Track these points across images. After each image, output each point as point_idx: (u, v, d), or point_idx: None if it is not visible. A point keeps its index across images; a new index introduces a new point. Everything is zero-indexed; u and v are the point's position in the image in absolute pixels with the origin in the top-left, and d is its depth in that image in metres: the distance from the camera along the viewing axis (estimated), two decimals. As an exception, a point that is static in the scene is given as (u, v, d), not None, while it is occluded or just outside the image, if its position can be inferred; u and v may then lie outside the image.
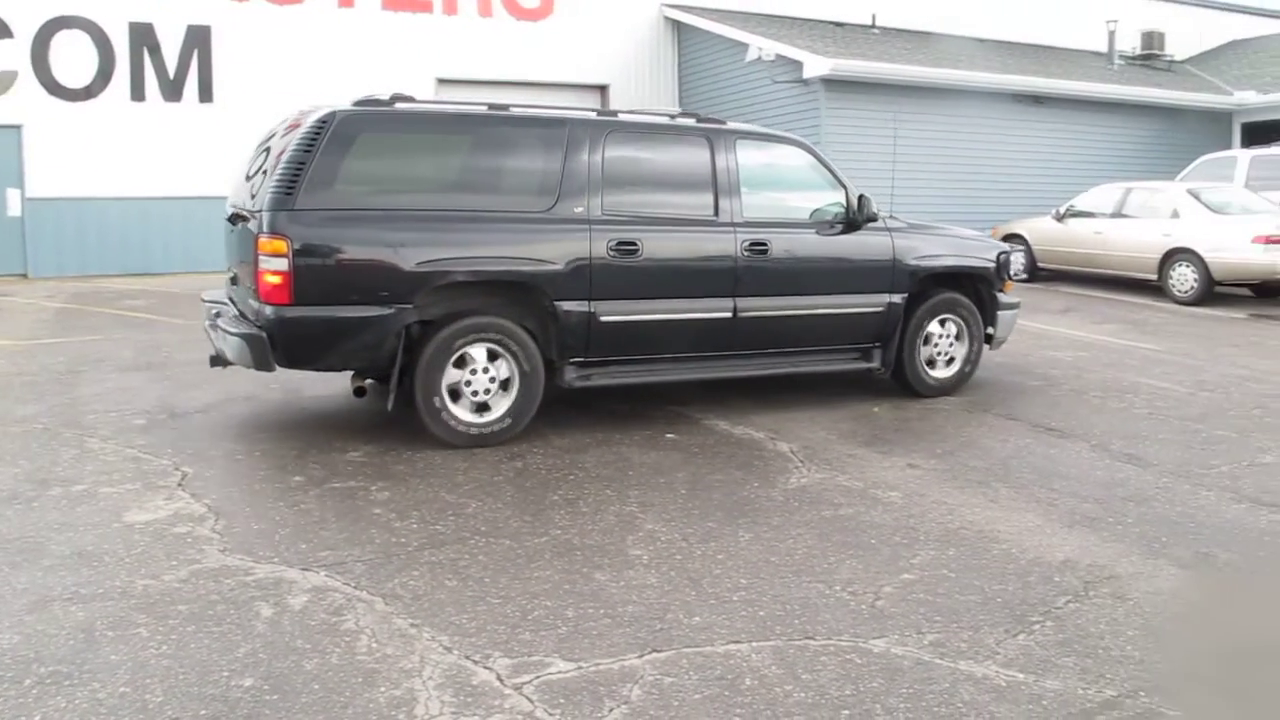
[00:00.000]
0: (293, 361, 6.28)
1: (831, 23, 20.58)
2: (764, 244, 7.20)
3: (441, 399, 6.32)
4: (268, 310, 6.01)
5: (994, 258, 8.31)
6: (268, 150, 6.68)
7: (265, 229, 5.94)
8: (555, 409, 6.99)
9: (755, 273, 7.19)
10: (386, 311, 6.16)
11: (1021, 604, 4.24)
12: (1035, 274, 15.87)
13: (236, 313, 6.75)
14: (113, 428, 6.77)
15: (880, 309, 7.71)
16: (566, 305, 6.57)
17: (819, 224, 7.61)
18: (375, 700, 3.36)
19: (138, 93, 16.46)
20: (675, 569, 4.53)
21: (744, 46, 17.90)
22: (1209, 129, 20.60)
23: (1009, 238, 15.77)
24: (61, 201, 16.11)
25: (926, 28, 21.58)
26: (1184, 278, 13.94)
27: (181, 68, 16.69)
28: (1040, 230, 15.89)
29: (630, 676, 3.55)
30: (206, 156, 16.55)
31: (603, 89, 19.75)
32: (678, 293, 7.01)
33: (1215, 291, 13.88)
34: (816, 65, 16.44)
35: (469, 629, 3.90)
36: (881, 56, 17.90)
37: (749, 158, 7.36)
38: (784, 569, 4.55)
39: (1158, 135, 20.09)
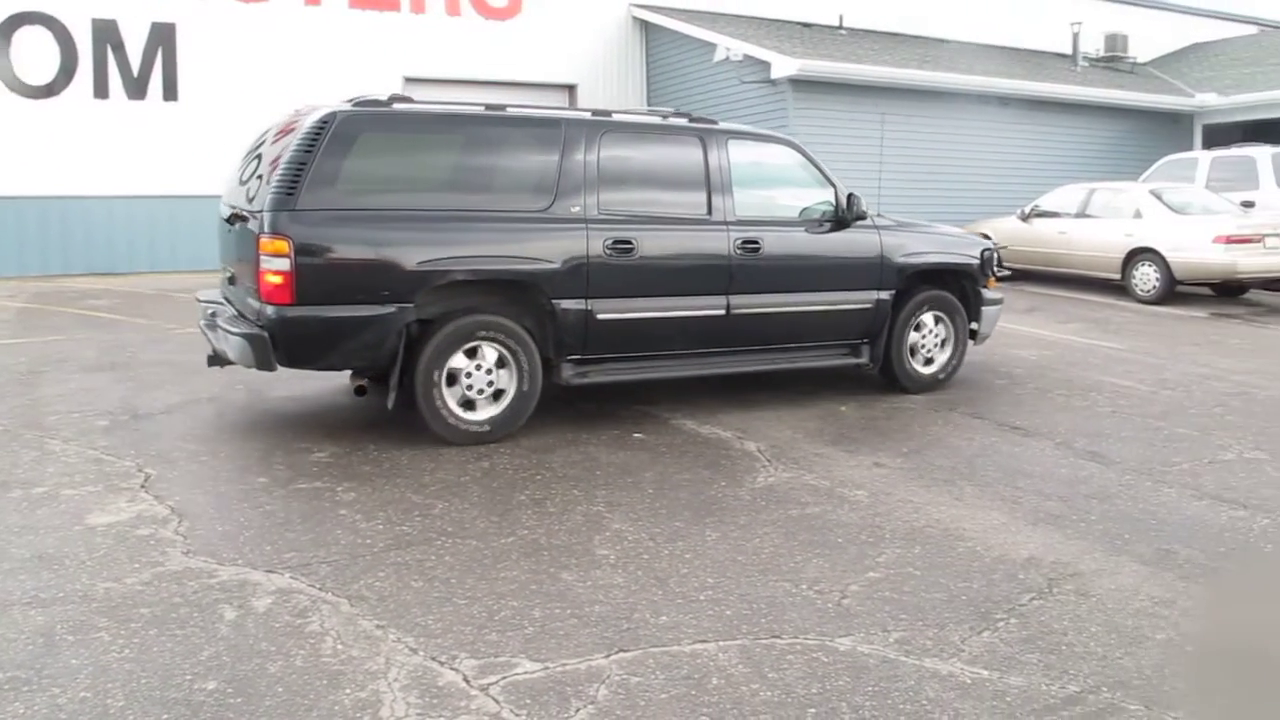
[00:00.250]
0: (294, 361, 6.29)
1: (799, 23, 20.64)
2: (756, 242, 7.27)
3: (442, 397, 6.36)
4: (269, 310, 6.02)
5: (978, 254, 8.46)
6: (259, 156, 6.69)
7: (267, 229, 5.95)
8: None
9: (748, 270, 7.27)
10: (388, 311, 6.18)
11: (986, 601, 4.27)
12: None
13: (234, 312, 6.73)
14: (75, 429, 6.70)
15: (869, 305, 7.82)
16: (564, 303, 6.63)
17: (809, 222, 7.71)
18: (340, 702, 3.35)
19: (101, 90, 16.26)
20: (642, 569, 4.53)
21: (712, 47, 17.92)
22: (1171, 130, 20.83)
23: (975, 237, 15.87)
24: (23, 200, 15.88)
25: (893, 29, 21.70)
26: (1146, 277, 14.08)
27: (145, 65, 16.51)
28: (1005, 230, 16.01)
29: (597, 676, 3.55)
30: (171, 155, 16.42)
31: (571, 89, 19.70)
32: (672, 290, 7.09)
33: (1177, 291, 14.03)
34: (784, 65, 16.49)
35: (435, 630, 3.88)
36: (849, 57, 17.98)
37: (740, 157, 7.45)
38: (750, 568, 4.57)
39: (1121, 136, 20.30)
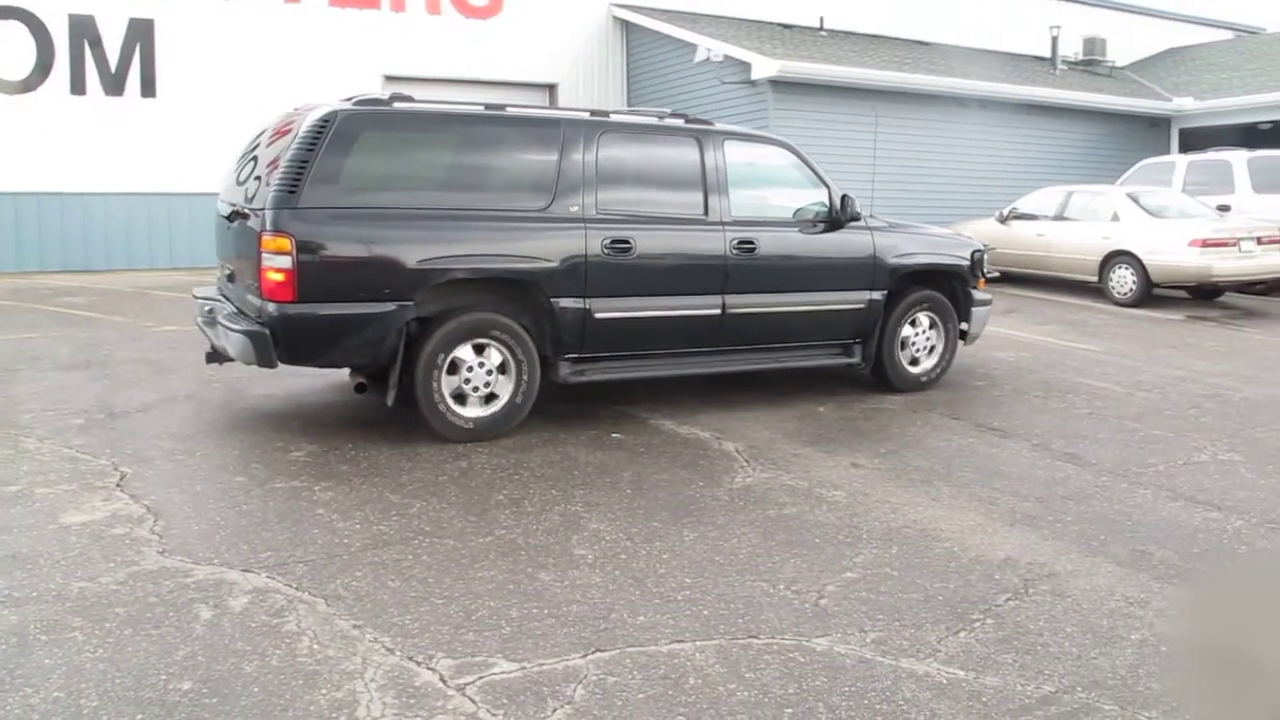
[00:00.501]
0: (295, 358, 6.29)
1: (779, 24, 20.68)
2: (752, 242, 7.33)
3: (441, 394, 6.40)
4: (271, 307, 6.02)
5: (968, 256, 8.56)
6: (255, 158, 6.71)
7: (269, 227, 5.96)
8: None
9: (743, 270, 7.32)
10: (388, 308, 6.21)
11: (963, 602, 4.29)
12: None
13: (233, 309, 6.73)
14: (50, 427, 6.65)
15: (861, 305, 7.89)
16: (563, 302, 6.68)
17: (803, 223, 7.78)
18: (316, 702, 3.33)
19: (78, 87, 16.14)
20: (620, 568, 4.53)
21: (692, 47, 17.94)
22: (1148, 134, 20.99)
23: (953, 240, 15.93)
24: (-2, 196, 15.80)
25: (874, 30, 21.77)
26: (1123, 280, 14.17)
27: (123, 62, 16.40)
28: (983, 232, 15.99)
29: (574, 676, 3.55)
30: (149, 152, 16.32)
31: (551, 88, 19.69)
32: (669, 290, 7.14)
33: (1154, 294, 14.13)
34: (764, 66, 16.51)
35: (412, 630, 3.87)
36: (829, 59, 18.02)
37: (736, 158, 7.51)
38: (728, 568, 4.57)
39: (1099, 139, 20.44)
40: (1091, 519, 5.37)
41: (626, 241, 6.87)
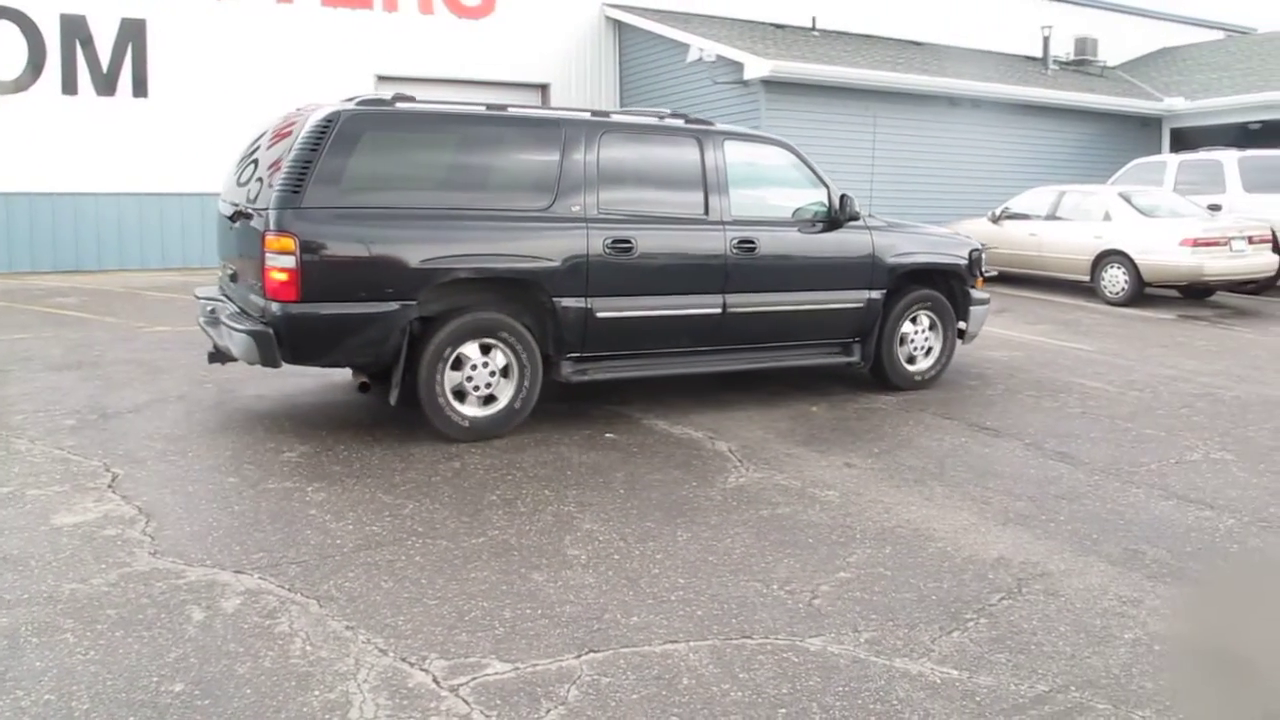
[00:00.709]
0: (299, 358, 6.30)
1: (772, 24, 20.70)
2: (752, 242, 7.36)
3: (443, 389, 6.41)
4: (274, 307, 6.03)
5: (966, 255, 8.61)
6: (256, 160, 6.72)
7: (272, 226, 5.97)
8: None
9: (743, 270, 7.35)
10: (392, 308, 6.22)
11: (956, 601, 4.29)
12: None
13: (236, 309, 6.73)
14: (41, 428, 6.63)
15: (861, 304, 7.92)
16: (565, 301, 6.70)
17: (802, 222, 7.80)
18: (309, 704, 3.32)
19: (70, 86, 16.10)
20: (613, 569, 4.52)
21: (685, 47, 17.94)
22: (1139, 134, 21.03)
23: (946, 239, 15.95)
24: (-10, 196, 15.75)
25: (866, 31, 21.79)
26: (1115, 279, 14.20)
27: (115, 61, 16.36)
28: (976, 232, 16.00)
29: (567, 677, 3.54)
30: (141, 152, 16.29)
31: (544, 88, 19.68)
32: (670, 289, 7.16)
33: (1145, 293, 14.16)
34: (757, 66, 16.52)
35: (405, 631, 3.87)
36: (821, 59, 18.04)
37: (736, 158, 7.53)
38: (721, 568, 4.57)
39: (1090, 139, 20.48)
40: (1084, 518, 5.37)
41: (628, 241, 6.88)
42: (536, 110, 7.26)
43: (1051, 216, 15.35)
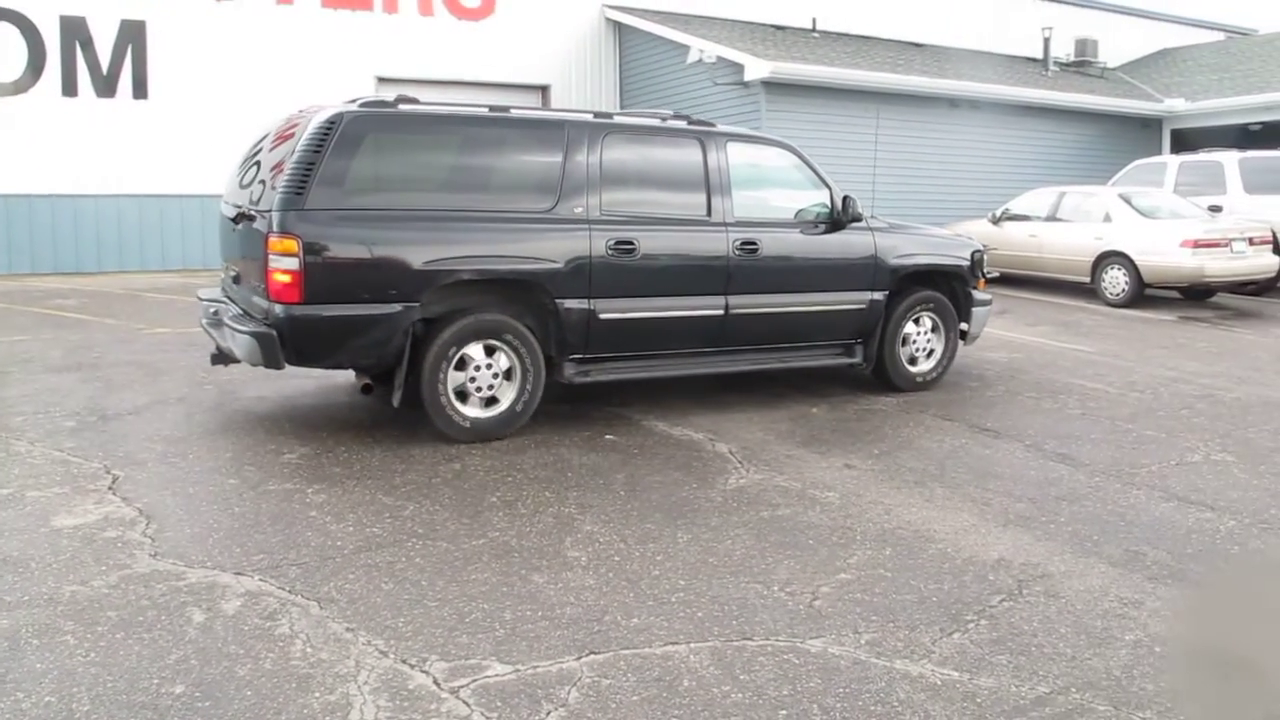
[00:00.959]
0: (302, 359, 6.31)
1: (772, 26, 20.71)
2: (754, 243, 7.36)
3: (447, 395, 6.42)
4: (278, 309, 6.03)
5: (968, 256, 8.61)
6: (258, 162, 6.72)
7: (276, 228, 5.98)
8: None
9: (746, 271, 7.35)
10: (395, 309, 6.22)
11: (956, 603, 4.28)
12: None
13: (239, 311, 6.73)
14: (41, 430, 6.63)
15: (863, 306, 7.93)
16: (567, 303, 6.71)
17: (804, 223, 7.81)
18: (310, 706, 3.32)
19: (70, 88, 16.11)
20: (613, 570, 4.52)
21: (685, 48, 17.94)
22: (1140, 135, 21.03)
23: (946, 241, 15.96)
24: (-11, 198, 15.75)
25: (866, 32, 21.80)
26: (1116, 280, 14.20)
27: (115, 63, 16.37)
28: (976, 233, 15.97)
29: (568, 679, 3.54)
30: (141, 154, 16.31)
31: (544, 89, 19.69)
32: (673, 291, 7.17)
33: (1146, 294, 14.16)
34: (757, 68, 16.52)
35: (405, 632, 3.86)
36: (822, 60, 18.04)
37: (738, 159, 7.54)
38: (722, 570, 4.57)
39: (1091, 140, 20.48)
40: (1085, 520, 5.37)
41: (630, 242, 6.88)
42: (539, 112, 7.27)
43: (1052, 218, 15.34)
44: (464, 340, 6.43)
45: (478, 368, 6.50)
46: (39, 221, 15.97)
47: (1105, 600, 4.36)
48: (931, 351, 8.41)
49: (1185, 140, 20.61)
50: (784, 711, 3.37)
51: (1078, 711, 3.45)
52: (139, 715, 3.24)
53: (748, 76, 16.74)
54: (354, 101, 6.57)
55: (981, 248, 8.94)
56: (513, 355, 6.59)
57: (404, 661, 3.64)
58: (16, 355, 9.11)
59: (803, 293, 7.68)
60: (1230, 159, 16.05)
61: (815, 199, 7.87)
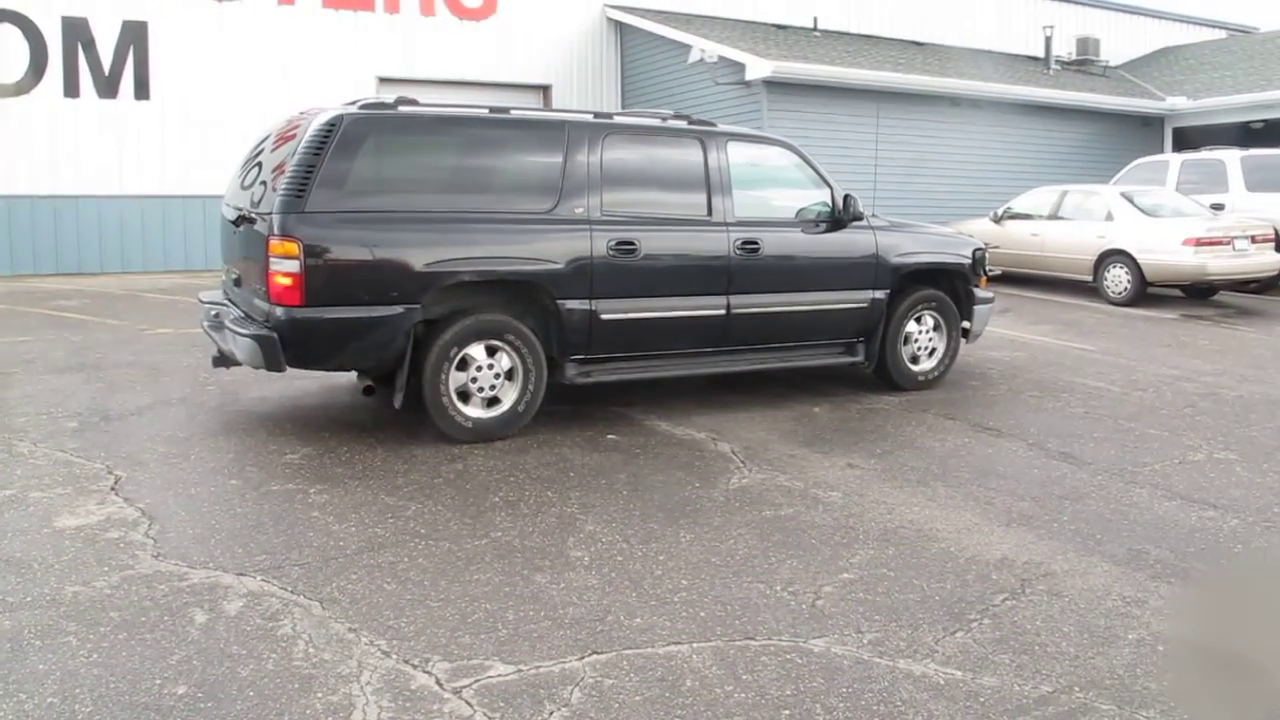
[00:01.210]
0: (303, 362, 6.31)
1: (773, 25, 20.70)
2: (755, 242, 7.36)
3: (447, 389, 6.41)
4: (279, 311, 6.03)
5: (970, 254, 8.61)
6: (259, 163, 6.72)
7: (276, 231, 5.97)
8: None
9: (747, 271, 7.35)
10: (396, 311, 6.22)
11: (959, 602, 4.28)
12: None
13: (240, 313, 6.73)
14: (43, 431, 6.63)
15: (864, 305, 7.93)
16: (569, 304, 6.71)
17: (805, 223, 7.81)
18: (312, 706, 3.32)
19: (71, 89, 16.12)
20: (616, 570, 4.52)
21: (686, 48, 17.93)
22: (1142, 133, 21.02)
23: (948, 239, 15.95)
24: (-9, 199, 15.76)
25: (867, 31, 21.79)
26: (1118, 279, 14.18)
27: (117, 64, 16.37)
28: (978, 232, 15.99)
29: (571, 679, 3.54)
30: (143, 155, 16.32)
31: (545, 89, 19.68)
32: (674, 291, 7.17)
33: (1148, 292, 14.14)
34: (759, 67, 16.52)
35: (408, 633, 3.86)
36: (823, 59, 18.04)
37: (739, 159, 7.55)
38: (724, 569, 4.56)
39: (1093, 139, 20.47)
40: (1088, 518, 5.36)
41: (631, 243, 6.88)
42: (540, 112, 7.27)
43: (1054, 216, 15.33)
44: (465, 340, 6.43)
45: (479, 368, 6.50)
46: (41, 222, 15.97)
47: (1108, 599, 4.35)
48: (933, 350, 8.40)
49: (1187, 138, 20.59)
50: (787, 711, 3.37)
51: (1081, 710, 3.44)
52: (141, 716, 3.24)
53: (749, 76, 16.74)
54: (354, 103, 6.57)
55: (983, 246, 8.93)
56: (514, 355, 6.59)
57: (406, 662, 3.64)
58: (19, 356, 9.12)
59: (804, 292, 7.68)
60: (1232, 157, 16.04)
61: (816, 198, 7.87)
